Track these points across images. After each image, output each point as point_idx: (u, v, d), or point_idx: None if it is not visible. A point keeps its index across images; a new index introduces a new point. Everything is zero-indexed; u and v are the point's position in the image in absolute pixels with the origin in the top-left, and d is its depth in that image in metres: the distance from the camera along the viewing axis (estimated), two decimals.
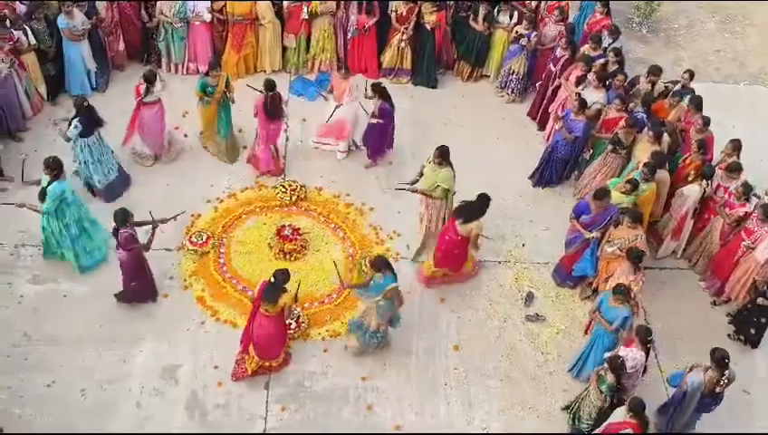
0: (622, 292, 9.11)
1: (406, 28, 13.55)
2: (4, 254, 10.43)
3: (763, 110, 14.52)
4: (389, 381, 9.68)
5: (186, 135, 12.49)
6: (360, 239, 11.19)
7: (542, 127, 13.33)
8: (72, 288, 10.19)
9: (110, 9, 12.77)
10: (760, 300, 10.04)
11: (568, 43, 12.70)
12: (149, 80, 11.20)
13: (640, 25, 16.35)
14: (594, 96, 11.85)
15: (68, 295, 10.12)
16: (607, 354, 8.83)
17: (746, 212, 10.53)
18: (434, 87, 14.13)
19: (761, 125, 13.76)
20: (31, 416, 8.92)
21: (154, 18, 13.08)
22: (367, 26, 13.52)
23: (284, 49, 13.82)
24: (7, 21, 11.61)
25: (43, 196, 9.73)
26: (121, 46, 13.30)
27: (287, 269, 8.92)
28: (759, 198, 10.66)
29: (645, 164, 10.55)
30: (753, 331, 10.38)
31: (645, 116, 11.55)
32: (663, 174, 10.82)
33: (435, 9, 13.42)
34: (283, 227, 11.01)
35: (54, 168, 9.66)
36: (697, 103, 11.57)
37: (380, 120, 11.71)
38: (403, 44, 13.72)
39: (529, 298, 10.78)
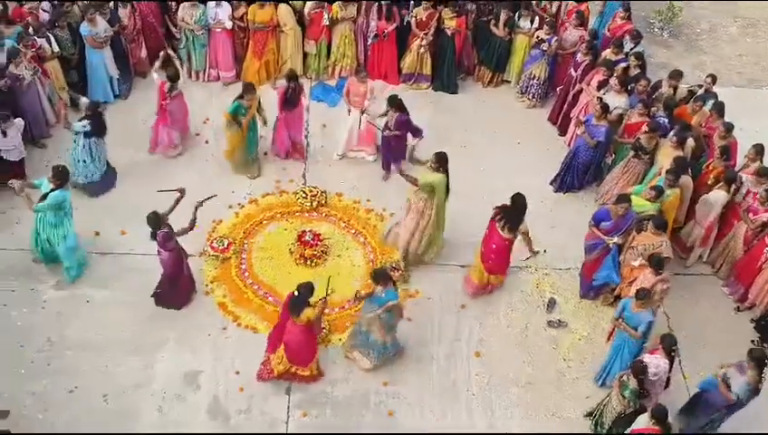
0: (644, 296, 9.05)
1: (426, 34, 13.55)
2: (27, 260, 10.50)
3: None
4: (411, 388, 9.65)
5: (207, 141, 12.56)
6: (381, 245, 11.18)
7: (562, 132, 13.28)
8: (94, 294, 10.25)
9: (132, 17, 12.89)
10: None
11: (589, 48, 12.65)
12: (173, 79, 11.37)
13: (662, 30, 16.26)
14: (616, 101, 11.80)
15: (91, 301, 10.18)
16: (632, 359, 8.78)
17: None
18: (454, 92, 14.12)
19: None
20: (53, 421, 8.96)
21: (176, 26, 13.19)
22: (386, 32, 13.54)
23: (305, 55, 13.87)
24: (31, 29, 11.76)
25: (43, 200, 9.78)
26: (143, 53, 13.40)
27: (311, 283, 8.89)
28: None
29: (668, 171, 10.48)
30: None
31: (667, 120, 11.48)
32: (686, 179, 10.73)
33: (455, 14, 13.42)
34: (304, 232, 11.03)
35: (60, 177, 9.73)
36: (719, 109, 11.48)
37: (398, 133, 11.59)
38: (423, 50, 13.72)
39: (551, 304, 10.72)
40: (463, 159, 12.45)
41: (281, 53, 13.63)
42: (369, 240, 11.26)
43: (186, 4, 12.91)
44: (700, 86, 12.30)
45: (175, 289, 10.03)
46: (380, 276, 9.13)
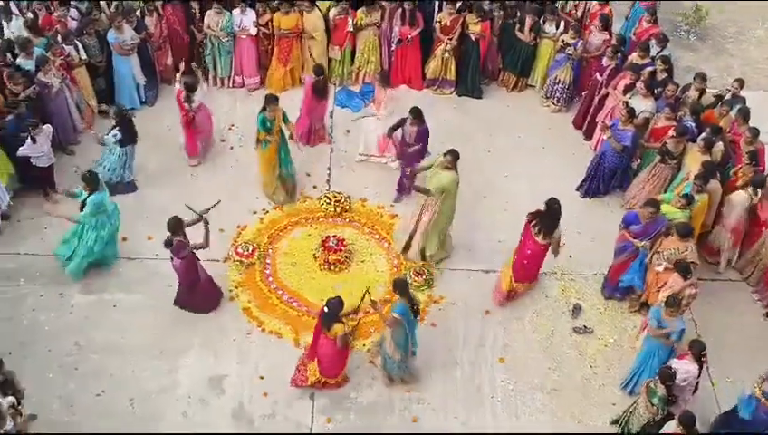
0: (675, 303, 8.97)
1: (450, 39, 13.54)
2: (56, 265, 10.61)
3: None
4: (435, 393, 9.61)
5: (231, 147, 12.64)
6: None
7: (587, 136, 13.19)
8: (121, 298, 10.34)
9: (158, 24, 13.02)
10: None
11: (614, 52, 12.57)
12: (190, 88, 11.42)
13: (688, 33, 16.11)
14: (642, 105, 11.71)
15: (117, 305, 10.27)
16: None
17: None
18: (478, 97, 14.07)
19: None
20: (80, 425, 9.03)
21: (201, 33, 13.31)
22: (409, 37, 13.54)
23: (329, 61, 13.91)
24: (59, 36, 11.92)
25: (83, 207, 9.96)
26: (169, 60, 13.52)
27: (339, 298, 8.88)
28: None
29: (696, 175, 10.37)
30: None
31: (694, 124, 11.36)
32: (715, 184, 10.62)
33: (479, 19, 13.38)
34: (328, 238, 11.05)
35: (90, 182, 9.88)
36: (745, 114, 11.34)
37: (418, 146, 11.45)
38: (447, 55, 13.71)
39: (576, 310, 10.63)
40: (487, 163, 12.45)
41: (305, 58, 13.64)
42: (393, 245, 11.24)
43: (211, 11, 13.02)
44: (728, 90, 12.16)
45: (194, 294, 10.06)
46: (396, 286, 9.05)
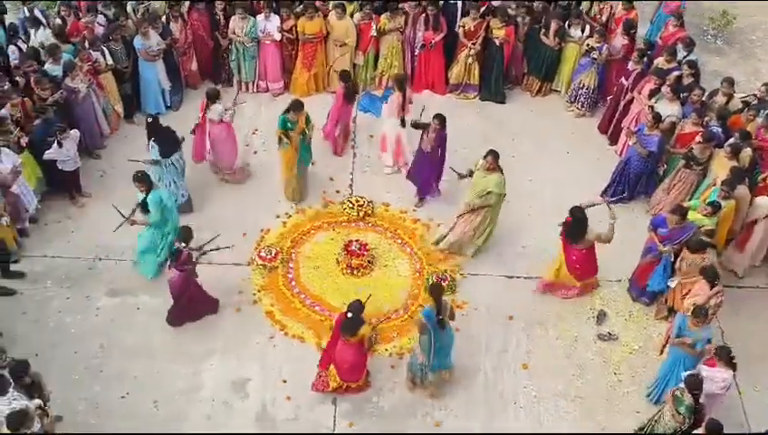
0: (702, 313, 8.87)
1: (474, 44, 13.52)
2: (82, 267, 10.74)
3: None
4: (457, 399, 9.57)
5: (255, 152, 12.70)
6: (428, 254, 11.15)
7: (613, 141, 13.10)
8: (146, 301, 10.41)
9: (183, 30, 13.14)
10: None
11: (640, 57, 12.47)
12: (210, 97, 11.41)
13: (715, 38, 15.95)
14: (668, 109, 11.59)
15: (141, 308, 10.35)
16: (685, 373, 8.57)
17: None
18: (502, 102, 14.04)
19: None
20: (105, 427, 9.10)
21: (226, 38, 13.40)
22: (433, 42, 13.54)
23: (353, 66, 13.93)
24: (86, 42, 12.06)
25: (144, 209, 10.02)
26: (194, 66, 13.64)
27: (359, 301, 8.89)
28: None
29: (723, 181, 10.26)
30: None
31: (720, 129, 11.23)
32: (743, 190, 10.48)
33: (503, 24, 13.35)
34: (351, 242, 11.06)
35: (143, 181, 9.96)
36: None
37: (438, 150, 11.41)
38: (471, 60, 13.69)
39: (601, 316, 10.55)
40: (511, 169, 12.30)
41: (329, 64, 13.68)
42: (416, 250, 11.23)
43: (236, 17, 13.10)
44: (754, 95, 12.02)
45: (177, 307, 9.99)
46: (430, 290, 9.14)
